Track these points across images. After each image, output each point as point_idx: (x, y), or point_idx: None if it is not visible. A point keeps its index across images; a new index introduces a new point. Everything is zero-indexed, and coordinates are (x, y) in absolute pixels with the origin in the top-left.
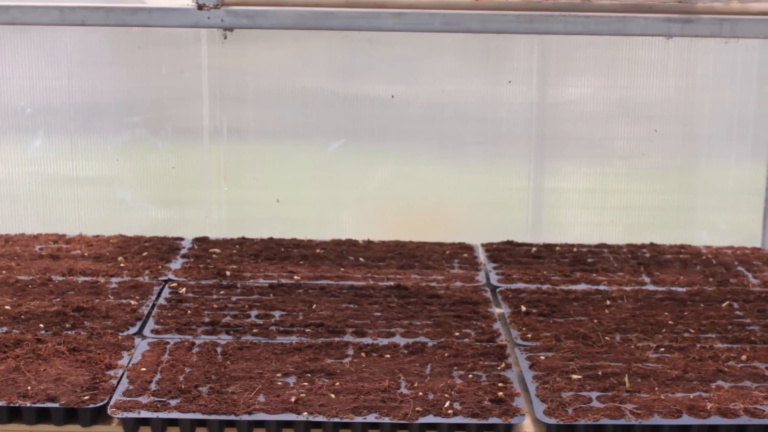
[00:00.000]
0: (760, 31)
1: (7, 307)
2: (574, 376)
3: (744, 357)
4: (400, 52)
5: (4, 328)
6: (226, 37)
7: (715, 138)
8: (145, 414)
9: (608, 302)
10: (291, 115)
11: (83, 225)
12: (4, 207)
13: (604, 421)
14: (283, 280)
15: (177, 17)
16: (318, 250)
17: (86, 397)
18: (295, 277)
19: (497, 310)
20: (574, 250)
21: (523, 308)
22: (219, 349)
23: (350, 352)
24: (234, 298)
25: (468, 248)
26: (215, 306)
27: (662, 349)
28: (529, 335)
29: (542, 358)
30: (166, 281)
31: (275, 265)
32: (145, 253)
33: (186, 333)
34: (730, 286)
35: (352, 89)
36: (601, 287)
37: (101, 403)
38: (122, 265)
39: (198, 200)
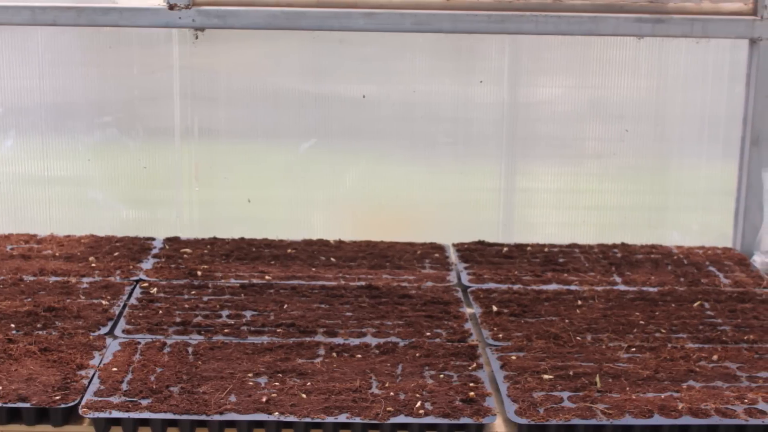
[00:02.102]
0: (731, 31)
1: None
2: (546, 376)
3: (715, 357)
4: (371, 52)
5: None
6: (197, 37)
7: (687, 138)
8: (116, 414)
9: (579, 302)
10: (262, 115)
11: (54, 225)
12: None
13: (576, 421)
14: (255, 280)
15: (148, 17)
16: (289, 250)
17: (57, 397)
18: (267, 277)
19: (468, 310)
20: (546, 250)
21: (495, 308)
22: (190, 349)
23: (321, 352)
24: (205, 298)
25: (439, 248)
26: (186, 306)
27: (633, 349)
28: (501, 335)
29: (513, 358)
30: (137, 281)
31: (246, 265)
32: (116, 253)
33: (157, 333)
34: (701, 286)
35: (324, 89)
36: (573, 287)
37: (72, 403)
38: (93, 265)
39: (169, 200)
